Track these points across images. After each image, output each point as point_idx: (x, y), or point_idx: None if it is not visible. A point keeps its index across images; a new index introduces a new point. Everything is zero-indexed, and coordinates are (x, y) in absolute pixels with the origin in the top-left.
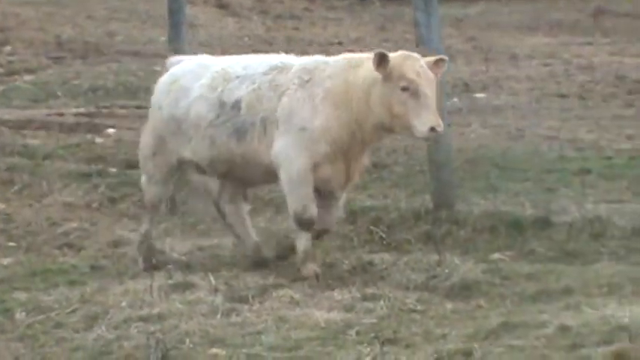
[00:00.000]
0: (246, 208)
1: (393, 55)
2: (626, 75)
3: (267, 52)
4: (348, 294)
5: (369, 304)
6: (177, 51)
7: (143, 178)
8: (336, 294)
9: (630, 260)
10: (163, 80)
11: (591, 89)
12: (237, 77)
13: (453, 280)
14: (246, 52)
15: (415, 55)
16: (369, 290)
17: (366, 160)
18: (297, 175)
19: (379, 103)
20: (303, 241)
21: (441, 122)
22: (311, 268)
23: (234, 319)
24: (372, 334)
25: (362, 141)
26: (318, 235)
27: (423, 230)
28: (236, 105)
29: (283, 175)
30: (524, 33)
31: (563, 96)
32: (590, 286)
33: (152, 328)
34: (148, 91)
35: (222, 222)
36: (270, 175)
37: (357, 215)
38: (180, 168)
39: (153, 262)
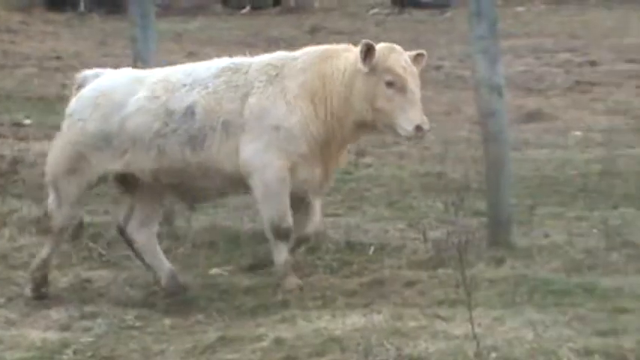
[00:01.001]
0: (155, 233)
1: (378, 47)
2: None
3: None
4: (65, 312)
5: (87, 323)
6: None
7: (51, 199)
8: (53, 313)
9: (344, 273)
10: (87, 94)
11: None
12: (184, 85)
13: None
14: None
15: (398, 47)
16: (88, 308)
17: (343, 160)
18: (274, 180)
19: (361, 99)
20: (281, 253)
21: (426, 120)
22: (293, 281)
23: None
24: (90, 353)
25: (341, 139)
26: (298, 244)
27: None
28: (188, 111)
29: (257, 183)
30: (242, 48)
31: None
32: (305, 299)
33: None
34: None
35: (129, 249)
36: (230, 184)
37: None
38: (97, 185)
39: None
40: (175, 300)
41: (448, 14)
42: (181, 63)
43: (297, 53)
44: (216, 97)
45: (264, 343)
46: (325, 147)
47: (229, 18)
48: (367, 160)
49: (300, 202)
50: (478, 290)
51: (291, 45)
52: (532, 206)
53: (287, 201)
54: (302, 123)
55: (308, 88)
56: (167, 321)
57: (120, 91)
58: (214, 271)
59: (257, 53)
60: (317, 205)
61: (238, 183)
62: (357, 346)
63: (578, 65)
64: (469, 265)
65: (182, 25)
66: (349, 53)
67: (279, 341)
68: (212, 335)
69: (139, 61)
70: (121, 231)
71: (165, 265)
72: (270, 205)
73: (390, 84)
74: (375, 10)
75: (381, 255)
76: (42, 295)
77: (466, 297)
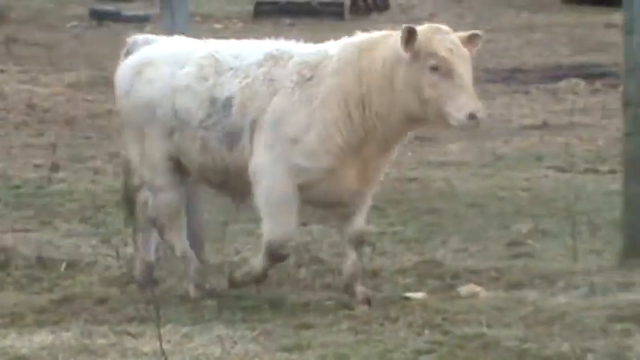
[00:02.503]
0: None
1: (419, 29)
2: (37, 104)
3: None
4: None
5: None
6: None
7: (145, 192)
8: None
9: (33, 289)
10: (132, 62)
11: (3, 117)
12: (231, 69)
13: None
14: None
15: (444, 27)
16: None
17: (392, 156)
18: (279, 199)
19: (405, 90)
20: (261, 265)
21: (481, 106)
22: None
23: None
24: None
25: (384, 139)
26: (356, 247)
27: None
28: (227, 103)
29: (260, 195)
30: None
31: None
32: None
33: None
34: None
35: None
36: None
37: None
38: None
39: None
40: None
41: (147, 28)
42: None
43: (334, 49)
44: (252, 91)
45: None
46: (363, 149)
47: None
48: (61, 174)
49: (336, 207)
50: (168, 307)
51: None
52: (225, 222)
53: (293, 223)
54: (323, 136)
55: (341, 92)
56: None
57: (167, 61)
58: None
59: None
60: (362, 205)
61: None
62: None
63: None
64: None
65: None
66: (388, 39)
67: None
68: None
69: None
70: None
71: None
72: (271, 224)
73: (434, 69)
74: (74, 23)
75: (72, 271)
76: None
77: (155, 314)
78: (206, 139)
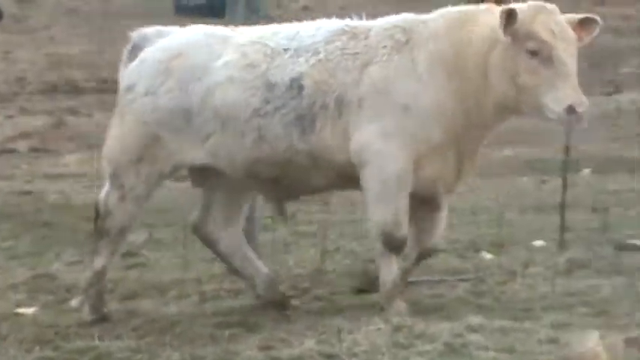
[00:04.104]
0: (241, 233)
1: (521, 8)
2: None
3: None
4: None
5: None
6: None
7: (107, 193)
8: None
9: None
10: (153, 57)
11: None
12: (286, 50)
13: None
14: None
15: (550, 6)
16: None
17: (477, 159)
18: (394, 177)
19: (500, 73)
20: (390, 270)
21: (583, 99)
22: (400, 305)
23: None
24: None
25: (481, 125)
26: (420, 259)
27: None
28: (294, 84)
29: (371, 176)
30: None
31: None
32: None
33: None
34: None
35: (213, 252)
36: (341, 179)
37: None
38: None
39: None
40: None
41: None
42: None
43: (428, 16)
44: (329, 67)
45: None
46: (463, 135)
47: None
48: None
49: (422, 206)
50: None
51: None
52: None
53: (406, 203)
54: (437, 103)
55: (442, 60)
56: None
57: (200, 53)
58: None
59: None
60: (443, 210)
61: (351, 178)
62: None
63: None
64: None
65: None
66: (490, 17)
67: None
68: None
69: None
70: (198, 231)
71: (261, 270)
72: (383, 206)
73: (533, 53)
74: None
75: None
76: (103, 317)
77: None
78: (265, 128)
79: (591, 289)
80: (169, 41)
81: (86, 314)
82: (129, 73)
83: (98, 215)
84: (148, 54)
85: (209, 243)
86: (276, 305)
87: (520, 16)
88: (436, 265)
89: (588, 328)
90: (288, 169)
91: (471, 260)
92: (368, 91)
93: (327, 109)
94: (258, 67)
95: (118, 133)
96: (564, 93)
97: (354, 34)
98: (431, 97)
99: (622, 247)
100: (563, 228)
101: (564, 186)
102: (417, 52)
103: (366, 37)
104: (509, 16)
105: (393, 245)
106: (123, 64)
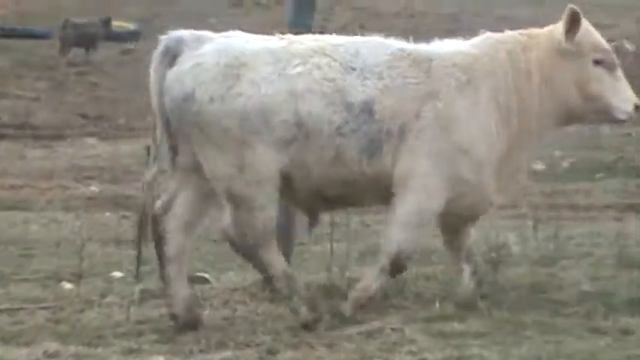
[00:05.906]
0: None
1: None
2: None
3: None
4: None
5: None
6: None
7: (232, 215)
8: None
9: None
10: (211, 59)
11: None
12: (353, 69)
13: None
14: None
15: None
16: None
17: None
18: (430, 214)
19: (568, 86)
20: (377, 281)
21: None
22: (353, 308)
23: None
24: None
25: (528, 144)
26: (475, 272)
27: None
28: (366, 108)
29: (408, 204)
30: None
31: None
32: None
33: None
34: None
35: (156, 249)
36: (388, 199)
37: None
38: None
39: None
40: None
41: None
42: None
43: (478, 50)
44: (396, 95)
45: None
46: (505, 160)
47: None
48: None
49: (459, 222)
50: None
51: None
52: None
53: (423, 235)
54: (492, 148)
55: (498, 96)
56: None
57: (261, 60)
58: None
59: None
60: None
61: (389, 196)
62: None
63: None
64: None
65: None
66: (537, 40)
67: None
68: None
69: None
70: (157, 224)
71: (184, 290)
72: (409, 233)
73: (598, 62)
74: None
75: None
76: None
77: None
78: (343, 148)
79: (162, 317)
80: (226, 46)
81: (305, 317)
82: (182, 79)
83: (255, 239)
84: (205, 58)
85: (159, 238)
86: (191, 327)
87: (579, 29)
88: (18, 293)
89: (155, 353)
90: (350, 189)
91: (52, 289)
92: (429, 125)
93: (391, 136)
94: (333, 81)
95: (210, 148)
96: (629, 94)
97: (412, 62)
98: (488, 144)
99: (193, 280)
100: (139, 261)
101: (140, 221)
102: (477, 94)
103: (428, 71)
104: (574, 20)
105: (398, 269)
106: (154, 67)
